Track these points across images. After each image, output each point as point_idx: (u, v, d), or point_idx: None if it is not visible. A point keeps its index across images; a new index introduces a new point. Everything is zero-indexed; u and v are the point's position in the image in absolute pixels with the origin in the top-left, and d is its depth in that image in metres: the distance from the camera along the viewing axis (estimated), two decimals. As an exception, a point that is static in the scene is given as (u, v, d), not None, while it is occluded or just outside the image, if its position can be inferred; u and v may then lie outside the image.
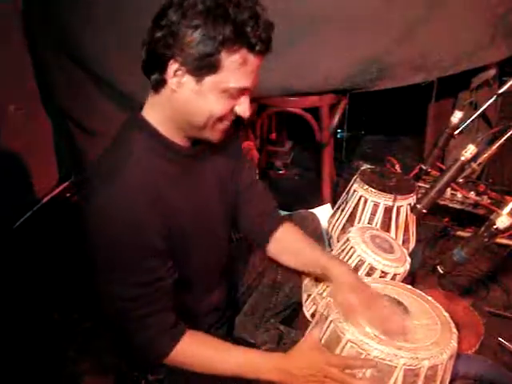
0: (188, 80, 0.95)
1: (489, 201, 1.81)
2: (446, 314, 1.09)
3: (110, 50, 2.01)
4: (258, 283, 1.44)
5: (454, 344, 0.98)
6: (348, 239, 1.34)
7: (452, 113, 1.70)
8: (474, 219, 1.88)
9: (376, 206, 1.55)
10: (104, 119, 2.22)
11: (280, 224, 1.31)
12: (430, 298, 1.14)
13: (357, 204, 1.59)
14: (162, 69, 0.96)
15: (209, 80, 0.95)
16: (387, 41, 1.95)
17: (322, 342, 1.05)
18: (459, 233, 2.08)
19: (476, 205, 1.84)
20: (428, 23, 1.91)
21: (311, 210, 1.81)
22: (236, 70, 0.94)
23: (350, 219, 1.62)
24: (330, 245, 1.73)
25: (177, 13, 0.92)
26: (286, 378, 1.03)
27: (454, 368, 1.03)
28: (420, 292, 1.16)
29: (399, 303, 1.07)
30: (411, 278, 1.74)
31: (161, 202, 1.01)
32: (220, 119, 1.01)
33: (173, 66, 0.94)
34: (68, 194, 2.46)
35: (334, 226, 1.69)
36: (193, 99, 0.97)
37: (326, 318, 1.05)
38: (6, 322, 1.62)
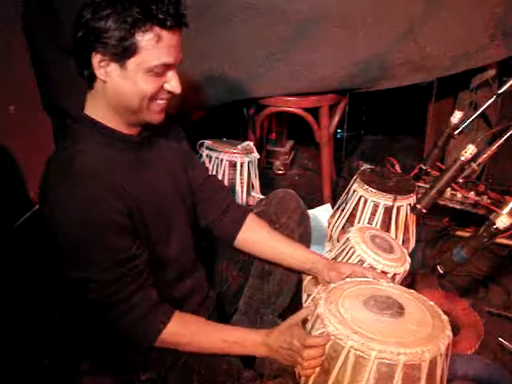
0: (113, 68, 1.01)
1: (488, 201, 1.81)
2: (445, 318, 1.08)
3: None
4: (246, 273, 1.42)
5: (442, 346, 0.98)
6: (348, 239, 1.35)
7: (452, 113, 1.70)
8: (474, 219, 1.88)
9: (376, 206, 1.55)
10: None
11: (244, 218, 1.34)
12: (432, 303, 1.13)
13: (357, 204, 1.59)
14: (88, 64, 1.03)
15: (131, 63, 1.00)
16: (387, 41, 1.95)
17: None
18: (459, 233, 2.08)
19: (476, 205, 1.84)
20: (428, 23, 1.92)
21: (311, 211, 1.82)
22: (153, 48, 0.99)
23: (350, 219, 1.62)
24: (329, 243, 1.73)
25: (89, 10, 1.00)
26: (270, 353, 1.08)
27: (453, 368, 1.03)
28: (422, 296, 1.15)
29: (400, 306, 1.07)
30: (411, 278, 1.74)
31: (116, 185, 1.04)
32: (153, 98, 1.05)
33: (96, 58, 1.00)
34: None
35: (334, 225, 1.69)
36: (122, 84, 1.02)
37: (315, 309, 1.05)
38: (6, 322, 1.62)
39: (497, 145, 1.53)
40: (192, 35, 1.87)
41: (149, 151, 1.16)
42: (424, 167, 1.76)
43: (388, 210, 1.55)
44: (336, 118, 2.24)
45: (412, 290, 1.18)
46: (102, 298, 1.03)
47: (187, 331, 1.10)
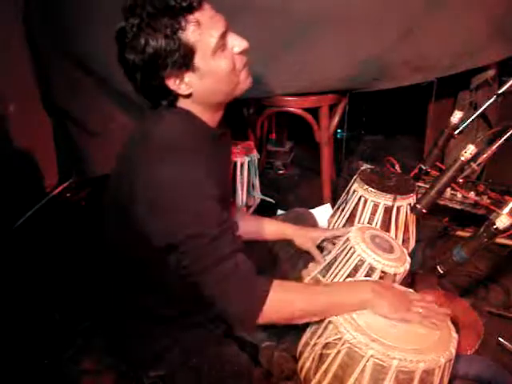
0: (189, 77, 1.02)
1: (488, 201, 1.81)
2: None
3: (109, 50, 2.00)
4: None
5: (452, 350, 0.98)
6: (348, 239, 1.34)
7: (452, 113, 1.70)
8: (474, 219, 1.88)
9: (376, 205, 1.55)
10: (104, 119, 2.23)
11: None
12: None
13: (357, 204, 1.59)
14: (166, 93, 1.03)
15: (197, 61, 1.00)
16: (387, 41, 1.95)
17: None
18: (459, 233, 2.08)
19: (476, 205, 1.84)
20: (428, 23, 1.91)
21: (311, 211, 1.81)
22: (200, 34, 0.98)
23: (350, 219, 1.62)
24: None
25: (128, 51, 0.99)
26: (379, 297, 1.05)
27: (453, 368, 1.04)
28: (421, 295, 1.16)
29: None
30: (411, 278, 1.74)
31: (206, 167, 1.04)
32: (236, 70, 1.05)
33: (170, 82, 1.01)
34: (68, 194, 2.46)
35: (333, 226, 1.69)
36: (206, 83, 1.03)
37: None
38: (6, 322, 1.62)
39: (497, 145, 1.53)
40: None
41: (219, 146, 1.19)
42: (424, 167, 1.75)
43: (388, 210, 1.55)
44: (336, 118, 2.24)
45: (411, 290, 1.18)
46: (206, 256, 0.99)
47: (291, 295, 1.06)
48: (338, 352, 0.99)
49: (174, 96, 1.04)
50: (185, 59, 0.98)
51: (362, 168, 1.73)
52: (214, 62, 1.01)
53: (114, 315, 1.26)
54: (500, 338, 1.55)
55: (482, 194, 1.83)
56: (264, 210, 2.18)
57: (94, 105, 2.21)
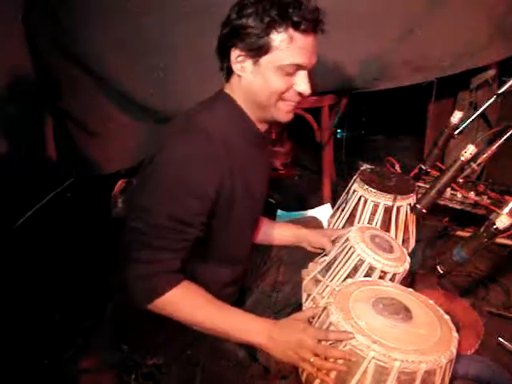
0: (248, 64, 1.08)
1: (488, 201, 1.81)
2: (447, 317, 1.09)
3: (109, 50, 2.01)
4: (259, 284, 1.47)
5: (453, 350, 0.99)
6: (348, 239, 1.34)
7: (452, 113, 1.70)
8: (474, 219, 1.88)
9: (376, 205, 1.55)
10: (104, 119, 2.23)
11: None
12: (431, 301, 1.14)
13: (357, 204, 1.59)
14: (227, 58, 1.10)
15: (264, 60, 1.06)
16: (387, 41, 1.95)
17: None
18: (459, 233, 2.08)
19: (476, 205, 1.84)
20: (428, 23, 1.92)
21: (311, 211, 1.82)
22: (286, 48, 1.05)
23: (350, 219, 1.62)
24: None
25: (235, 9, 1.07)
26: (270, 344, 1.05)
27: (453, 368, 1.03)
28: (420, 295, 1.16)
29: (406, 308, 1.07)
30: (411, 278, 1.74)
31: (226, 163, 1.09)
32: (281, 97, 1.11)
33: (234, 53, 1.08)
34: (68, 194, 2.46)
35: (333, 226, 1.69)
36: (253, 80, 1.09)
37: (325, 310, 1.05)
38: (6, 322, 1.62)
39: (497, 145, 1.53)
40: (194, 36, 1.88)
41: (261, 151, 1.25)
42: (424, 167, 1.75)
43: (388, 210, 1.55)
44: (336, 118, 2.24)
45: (410, 289, 1.18)
46: (143, 234, 1.05)
47: (189, 304, 1.08)
48: None
49: (229, 67, 1.10)
50: (257, 49, 1.05)
51: (361, 168, 1.73)
52: (271, 73, 1.07)
53: (120, 303, 1.27)
54: (500, 338, 1.55)
55: (481, 194, 1.83)
56: (264, 210, 2.18)
57: (93, 105, 2.21)
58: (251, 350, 1.20)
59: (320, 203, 2.19)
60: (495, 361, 1.43)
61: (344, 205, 1.66)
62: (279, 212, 2.16)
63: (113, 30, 1.97)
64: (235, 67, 1.09)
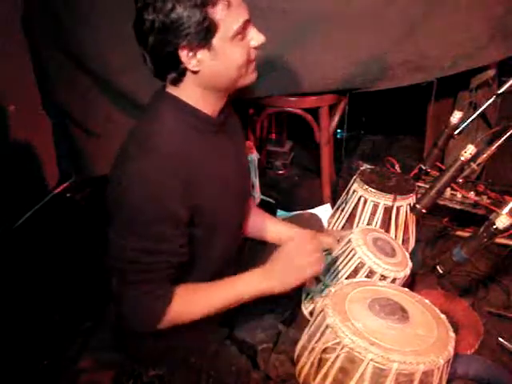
0: (202, 54, 0.99)
1: (488, 201, 1.81)
2: (443, 317, 1.09)
3: (109, 50, 2.01)
4: None
5: (451, 350, 0.99)
6: (350, 240, 1.34)
7: (452, 113, 1.70)
8: (474, 219, 1.88)
9: (376, 206, 1.55)
10: (104, 119, 2.23)
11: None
12: (427, 301, 1.14)
13: (356, 204, 1.59)
14: (176, 64, 1.00)
15: (216, 40, 0.98)
16: (387, 41, 1.95)
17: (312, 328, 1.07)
18: (459, 233, 2.08)
19: (475, 205, 1.84)
20: (428, 23, 1.91)
21: (311, 211, 1.82)
22: (227, 15, 0.97)
23: (350, 219, 1.62)
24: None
25: (150, 11, 0.95)
26: (278, 282, 1.07)
27: (452, 368, 1.04)
28: (416, 295, 1.16)
29: (402, 309, 1.07)
30: (411, 278, 1.74)
31: (191, 172, 1.04)
32: (247, 62, 1.05)
33: (183, 53, 0.98)
34: (68, 194, 2.46)
35: (333, 226, 1.69)
36: (215, 64, 1.01)
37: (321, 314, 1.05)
38: (6, 322, 1.62)
39: (497, 145, 1.52)
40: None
41: (222, 136, 1.16)
42: (424, 167, 1.75)
43: (388, 210, 1.55)
44: (336, 118, 2.24)
45: (406, 289, 1.18)
46: (123, 271, 1.05)
47: (187, 309, 1.09)
48: (337, 356, 0.99)
49: (182, 70, 1.02)
50: (205, 34, 0.97)
51: (361, 168, 1.73)
52: (230, 47, 1.00)
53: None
54: (500, 338, 1.55)
55: (481, 194, 1.83)
56: (264, 210, 2.18)
57: (93, 105, 2.21)
58: (252, 357, 1.21)
59: (320, 203, 2.19)
60: (495, 361, 1.43)
61: (344, 205, 1.66)
62: (279, 212, 2.16)
63: (114, 30, 1.97)
64: (191, 65, 1.00)
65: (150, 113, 1.09)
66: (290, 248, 1.08)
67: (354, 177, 1.65)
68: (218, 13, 0.96)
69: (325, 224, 1.85)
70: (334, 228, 1.69)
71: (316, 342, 1.05)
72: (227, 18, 0.97)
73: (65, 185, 2.46)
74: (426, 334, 1.01)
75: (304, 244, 1.07)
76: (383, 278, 1.25)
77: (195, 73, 1.02)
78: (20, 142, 2.16)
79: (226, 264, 1.25)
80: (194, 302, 1.11)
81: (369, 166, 1.78)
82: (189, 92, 1.06)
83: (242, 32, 1.01)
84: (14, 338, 1.59)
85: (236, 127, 1.28)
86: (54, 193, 2.41)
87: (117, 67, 2.04)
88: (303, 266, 1.06)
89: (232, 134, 1.22)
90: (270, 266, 1.09)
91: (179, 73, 1.02)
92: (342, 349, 0.98)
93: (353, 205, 1.61)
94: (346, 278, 1.26)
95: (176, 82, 1.04)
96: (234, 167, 1.21)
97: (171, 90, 1.08)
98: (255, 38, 1.05)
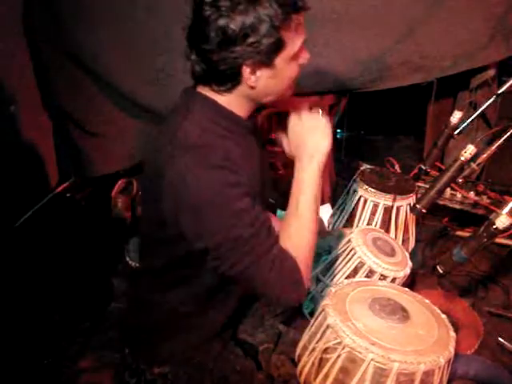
0: (263, 71, 1.00)
1: (488, 201, 1.81)
2: (444, 316, 1.09)
3: (110, 51, 2.01)
4: None
5: (451, 349, 0.99)
6: (350, 240, 1.34)
7: (452, 113, 1.70)
8: (474, 219, 1.88)
9: (376, 205, 1.55)
10: (104, 120, 2.23)
11: None
12: (427, 300, 1.14)
13: (356, 204, 1.59)
14: (235, 78, 1.00)
15: (279, 59, 0.99)
16: (387, 41, 1.95)
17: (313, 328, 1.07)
18: (459, 233, 2.08)
19: (475, 205, 1.84)
20: (428, 23, 1.91)
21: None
22: (295, 35, 0.98)
23: (350, 219, 1.62)
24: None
25: (219, 23, 0.93)
26: (316, 156, 1.09)
27: (452, 368, 1.04)
28: (417, 294, 1.16)
29: (403, 309, 1.07)
30: (411, 278, 1.74)
31: (240, 165, 1.03)
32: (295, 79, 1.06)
33: (247, 71, 0.98)
34: (68, 194, 2.46)
35: (333, 226, 1.69)
36: (271, 82, 1.02)
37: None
38: (6, 322, 1.62)
39: (496, 145, 1.53)
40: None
41: (251, 139, 1.17)
42: (424, 167, 1.75)
43: (388, 210, 1.55)
44: (336, 118, 2.23)
45: (406, 289, 1.18)
46: (241, 261, 0.99)
47: (300, 242, 1.06)
48: (338, 356, 0.99)
49: (238, 82, 1.01)
50: (272, 53, 0.96)
51: (361, 168, 1.73)
52: (288, 66, 1.01)
53: (133, 309, 1.28)
54: (500, 338, 1.55)
55: (481, 194, 1.83)
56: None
57: (93, 105, 2.21)
58: (256, 358, 1.21)
59: (320, 203, 2.19)
60: (495, 361, 1.42)
61: (344, 205, 1.66)
62: (279, 212, 2.15)
63: (114, 30, 1.97)
64: (249, 81, 1.00)
65: (181, 113, 1.07)
66: (297, 122, 1.14)
67: (354, 177, 1.65)
68: (288, 33, 0.96)
69: (325, 224, 1.85)
70: (334, 228, 1.69)
71: (317, 342, 1.05)
72: (294, 38, 0.98)
73: (65, 185, 2.46)
74: (426, 334, 1.01)
75: (304, 113, 1.14)
76: (383, 277, 1.25)
77: (250, 88, 1.02)
78: (20, 141, 2.15)
79: None
80: (296, 236, 1.07)
81: (369, 166, 1.78)
82: (228, 98, 1.05)
83: (299, 51, 1.02)
84: (15, 338, 1.59)
85: (257, 131, 1.28)
86: (54, 193, 2.41)
87: (117, 67, 2.04)
88: (318, 126, 1.11)
89: (257, 137, 1.23)
90: (301, 150, 1.11)
91: (233, 85, 1.02)
92: (342, 349, 0.98)
93: (353, 205, 1.61)
94: (346, 278, 1.26)
95: (223, 91, 1.04)
96: (258, 165, 1.21)
97: (204, 90, 1.07)
98: (305, 56, 1.06)
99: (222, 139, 1.05)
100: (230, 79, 1.01)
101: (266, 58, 0.97)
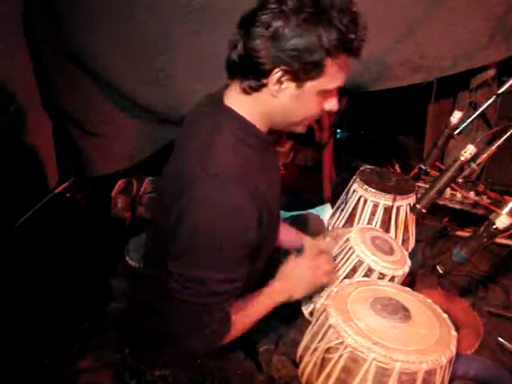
0: (289, 86, 0.98)
1: (488, 201, 1.81)
2: (445, 316, 1.09)
3: (109, 51, 2.01)
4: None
5: (453, 349, 0.99)
6: (348, 239, 1.34)
7: (452, 113, 1.70)
8: (474, 219, 1.88)
9: (375, 206, 1.55)
10: (104, 120, 2.23)
11: None
12: (429, 300, 1.14)
13: (356, 204, 1.59)
14: (263, 76, 0.97)
15: (310, 84, 0.98)
16: (387, 41, 1.95)
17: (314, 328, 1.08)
18: (459, 233, 2.08)
19: (475, 205, 1.84)
20: (428, 23, 1.91)
21: (311, 211, 1.82)
22: (336, 72, 0.98)
23: (350, 219, 1.62)
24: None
25: (277, 19, 0.92)
26: (294, 293, 1.18)
27: (453, 368, 1.04)
28: (418, 294, 1.16)
29: (404, 308, 1.07)
30: (411, 278, 1.74)
31: (256, 190, 1.01)
32: (312, 118, 1.07)
33: (277, 74, 0.96)
34: (68, 194, 2.46)
35: (333, 226, 1.69)
36: (291, 103, 1.01)
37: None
38: (6, 322, 1.62)
39: (496, 145, 1.52)
40: (194, 36, 1.88)
41: (270, 153, 1.17)
42: (424, 167, 1.75)
43: (388, 210, 1.55)
44: (336, 118, 2.24)
45: (408, 288, 1.18)
46: (196, 304, 1.02)
47: (239, 326, 1.12)
48: (340, 356, 0.99)
49: (261, 85, 0.99)
50: (307, 74, 0.95)
51: (361, 168, 1.73)
52: (313, 98, 1.00)
53: (133, 311, 1.28)
54: (500, 338, 1.55)
55: (481, 194, 1.83)
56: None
57: (93, 105, 2.21)
58: (256, 360, 1.21)
59: (320, 203, 2.19)
60: (495, 361, 1.43)
61: (344, 205, 1.66)
62: (282, 213, 2.16)
63: (114, 30, 1.97)
64: (272, 88, 0.98)
65: (210, 128, 1.05)
66: (302, 265, 1.19)
67: (354, 177, 1.65)
68: (332, 66, 0.96)
69: (325, 224, 1.85)
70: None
71: (319, 342, 1.05)
72: (334, 74, 0.98)
73: (65, 185, 2.46)
74: (428, 333, 1.01)
75: (314, 260, 1.20)
76: (382, 275, 1.25)
77: (271, 96, 1.00)
78: (20, 142, 2.15)
79: (259, 276, 1.26)
80: (243, 317, 1.13)
81: (369, 166, 1.77)
82: (251, 109, 1.04)
83: (330, 93, 1.02)
84: (15, 338, 1.59)
85: (273, 146, 1.27)
86: (54, 193, 2.41)
87: (117, 67, 2.04)
88: (317, 278, 1.19)
89: (273, 152, 1.23)
90: (286, 282, 1.18)
91: (257, 85, 0.99)
92: (344, 348, 0.98)
93: (353, 205, 1.61)
94: (345, 277, 1.26)
95: (246, 90, 1.01)
96: (278, 183, 1.23)
97: (231, 103, 1.05)
98: (332, 104, 1.06)
99: (247, 162, 1.03)
100: (259, 74, 0.97)
101: (300, 73, 0.95)
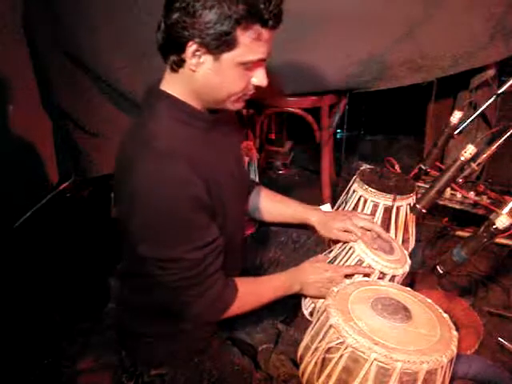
0: (206, 59, 0.99)
1: (488, 201, 1.81)
2: (446, 316, 1.09)
3: (108, 50, 2.01)
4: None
5: (454, 348, 0.99)
6: (348, 238, 1.34)
7: (452, 113, 1.70)
8: (474, 219, 1.88)
9: (375, 206, 1.55)
10: (103, 120, 2.23)
11: (252, 188, 1.46)
12: (429, 300, 1.14)
13: (356, 204, 1.59)
14: (180, 50, 0.99)
15: (226, 57, 0.99)
16: (387, 41, 1.95)
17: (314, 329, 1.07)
18: (459, 233, 2.08)
19: (475, 205, 1.84)
20: (428, 23, 1.92)
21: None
22: (251, 44, 0.98)
23: (350, 219, 1.61)
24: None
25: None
26: (304, 288, 1.26)
27: (453, 368, 1.03)
28: (418, 294, 1.16)
29: (405, 308, 1.07)
30: (411, 278, 1.74)
31: (196, 164, 1.03)
32: (239, 94, 1.06)
33: (191, 47, 0.98)
34: (68, 194, 2.46)
35: (333, 225, 1.68)
36: (212, 77, 1.02)
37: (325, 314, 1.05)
38: (6, 322, 1.62)
39: (496, 145, 1.52)
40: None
41: (217, 132, 1.16)
42: (424, 167, 1.75)
43: (388, 210, 1.54)
44: (336, 118, 2.24)
45: (408, 288, 1.18)
46: (182, 279, 1.04)
47: (247, 300, 1.17)
48: (341, 356, 0.99)
49: (182, 60, 1.01)
50: (220, 46, 0.97)
51: (361, 168, 1.72)
52: (232, 70, 1.01)
53: (128, 312, 1.27)
54: (500, 338, 1.55)
55: (481, 194, 1.83)
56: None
57: (93, 105, 2.21)
58: (255, 358, 1.21)
59: (320, 203, 2.19)
60: (495, 361, 1.43)
61: (344, 205, 1.66)
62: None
63: (113, 30, 1.97)
64: (190, 62, 1.00)
65: (147, 112, 1.09)
66: (325, 269, 1.26)
67: (354, 177, 1.65)
68: (244, 37, 0.97)
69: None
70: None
71: (319, 342, 1.05)
72: (249, 46, 0.98)
73: (65, 185, 2.46)
74: (429, 333, 1.01)
75: (337, 271, 1.25)
76: (382, 275, 1.25)
77: (191, 70, 1.02)
78: (20, 141, 2.16)
79: (230, 257, 1.25)
80: (252, 291, 1.19)
81: (369, 166, 1.77)
82: (181, 88, 1.06)
83: (250, 66, 1.02)
84: (15, 338, 1.59)
85: (230, 124, 1.27)
86: (54, 193, 2.41)
87: (117, 67, 2.04)
88: (325, 288, 1.23)
89: (227, 131, 1.22)
90: (304, 275, 1.26)
91: (178, 60, 1.02)
92: (345, 349, 0.98)
93: (353, 205, 1.60)
94: (345, 277, 1.26)
95: (172, 67, 1.05)
96: (232, 162, 1.22)
97: (165, 86, 1.08)
98: (260, 78, 1.06)
99: (185, 138, 1.06)
100: (178, 49, 1.00)
101: (213, 45, 0.97)
